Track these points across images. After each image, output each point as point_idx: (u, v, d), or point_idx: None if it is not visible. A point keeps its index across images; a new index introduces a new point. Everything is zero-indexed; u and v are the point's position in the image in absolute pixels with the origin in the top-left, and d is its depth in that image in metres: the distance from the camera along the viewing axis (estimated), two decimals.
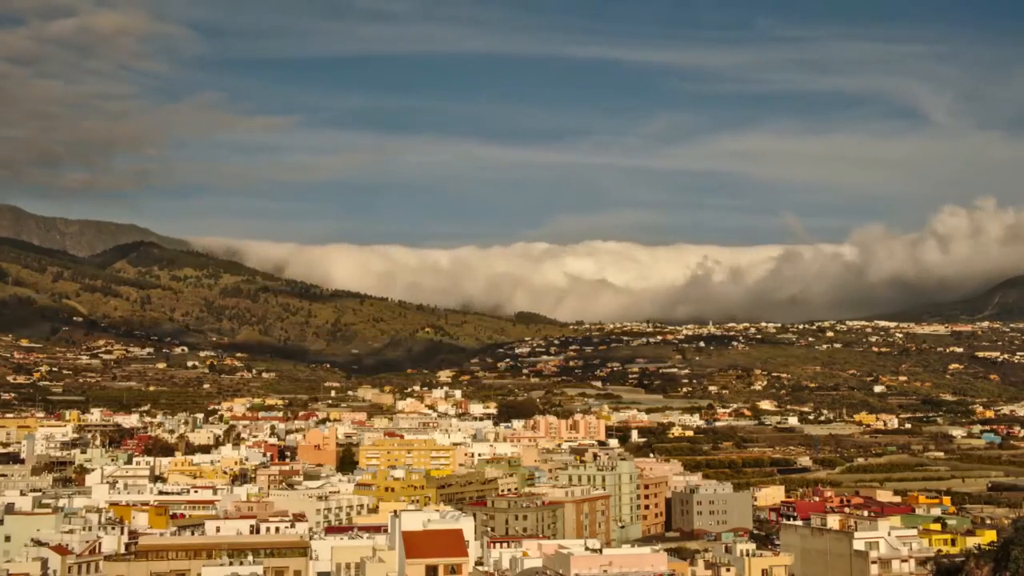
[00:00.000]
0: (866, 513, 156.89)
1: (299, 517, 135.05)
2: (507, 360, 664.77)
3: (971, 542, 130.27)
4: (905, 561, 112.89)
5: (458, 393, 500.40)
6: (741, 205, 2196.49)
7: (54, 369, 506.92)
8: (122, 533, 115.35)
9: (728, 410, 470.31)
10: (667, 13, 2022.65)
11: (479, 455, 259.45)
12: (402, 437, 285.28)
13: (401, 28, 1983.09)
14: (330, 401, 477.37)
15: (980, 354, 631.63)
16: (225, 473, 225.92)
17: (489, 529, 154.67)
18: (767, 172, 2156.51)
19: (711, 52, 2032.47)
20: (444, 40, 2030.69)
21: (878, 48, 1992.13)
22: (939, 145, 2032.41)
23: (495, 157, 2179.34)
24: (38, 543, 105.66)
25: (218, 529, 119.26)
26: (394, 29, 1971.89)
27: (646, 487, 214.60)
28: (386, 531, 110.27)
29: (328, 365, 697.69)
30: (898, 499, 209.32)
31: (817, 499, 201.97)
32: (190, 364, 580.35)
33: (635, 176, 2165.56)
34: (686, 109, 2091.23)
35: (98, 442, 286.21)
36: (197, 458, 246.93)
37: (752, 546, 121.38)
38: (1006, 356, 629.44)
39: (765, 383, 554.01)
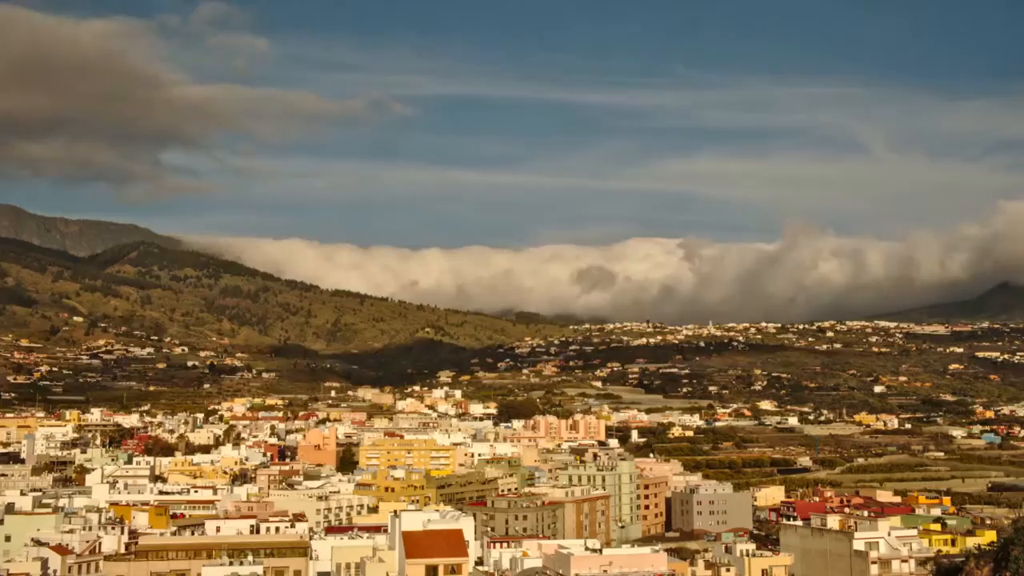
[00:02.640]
0: (866, 513, 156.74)
1: (299, 517, 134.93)
2: (507, 360, 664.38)
3: (971, 542, 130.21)
4: (905, 561, 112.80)
5: (458, 393, 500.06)
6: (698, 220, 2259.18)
7: (54, 369, 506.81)
8: (122, 533, 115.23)
9: (728, 410, 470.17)
10: (584, 62, 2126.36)
11: (479, 455, 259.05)
12: (402, 437, 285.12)
13: (377, 76, 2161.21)
14: (330, 401, 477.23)
15: (980, 354, 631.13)
16: (225, 473, 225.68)
17: (489, 529, 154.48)
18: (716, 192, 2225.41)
19: (638, 94, 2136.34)
20: (408, 85, 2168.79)
21: (798, 91, 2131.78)
22: (870, 168, 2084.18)
23: (468, 180, 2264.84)
24: (38, 543, 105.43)
25: (218, 529, 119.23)
26: (373, 77, 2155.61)
27: (646, 487, 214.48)
28: (386, 531, 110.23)
29: (328, 365, 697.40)
30: (898, 499, 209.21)
31: (817, 499, 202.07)
32: (190, 364, 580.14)
33: (597, 194, 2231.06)
34: (627, 140, 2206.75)
35: (98, 442, 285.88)
36: (197, 458, 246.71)
37: (752, 546, 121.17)
38: (1006, 356, 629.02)
39: (765, 383, 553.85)
